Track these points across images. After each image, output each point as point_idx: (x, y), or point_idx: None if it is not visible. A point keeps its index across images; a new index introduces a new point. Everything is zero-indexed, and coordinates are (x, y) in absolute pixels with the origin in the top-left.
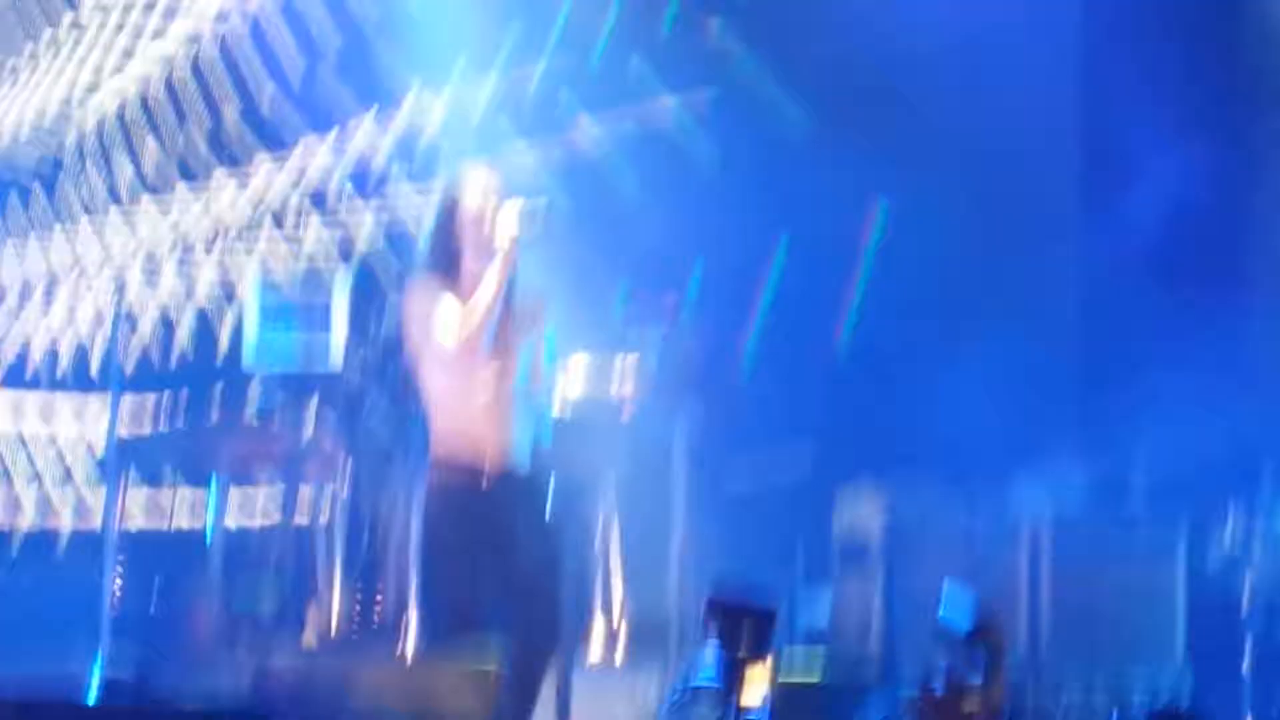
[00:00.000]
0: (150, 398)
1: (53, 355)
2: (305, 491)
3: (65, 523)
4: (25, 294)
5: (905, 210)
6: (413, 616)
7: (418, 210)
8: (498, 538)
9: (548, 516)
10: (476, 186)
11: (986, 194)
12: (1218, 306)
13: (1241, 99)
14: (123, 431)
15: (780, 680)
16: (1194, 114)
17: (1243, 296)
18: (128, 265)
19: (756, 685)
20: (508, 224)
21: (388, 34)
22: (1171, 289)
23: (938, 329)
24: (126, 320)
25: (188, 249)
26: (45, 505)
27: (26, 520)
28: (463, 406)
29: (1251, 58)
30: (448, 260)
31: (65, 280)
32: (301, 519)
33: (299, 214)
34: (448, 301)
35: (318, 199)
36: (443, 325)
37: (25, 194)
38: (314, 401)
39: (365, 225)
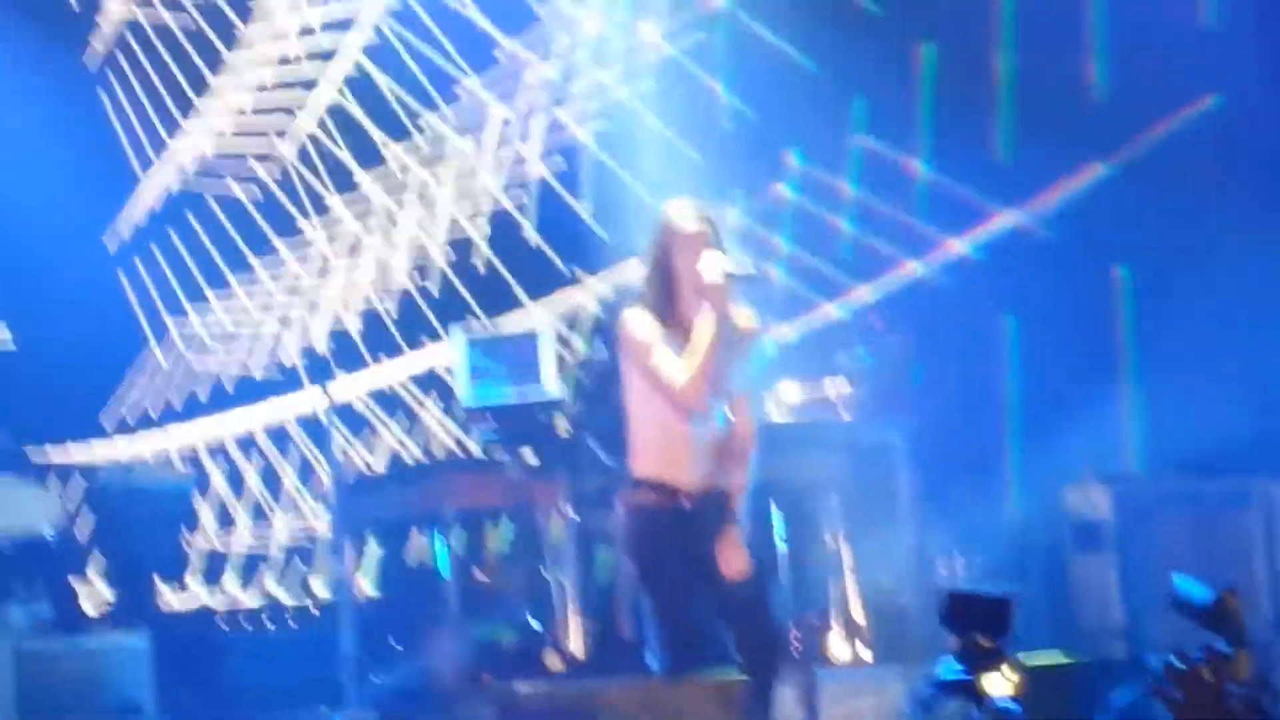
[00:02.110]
0: (374, 437)
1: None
2: (534, 519)
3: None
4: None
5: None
6: (649, 634)
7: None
8: (707, 554)
9: (751, 530)
10: (689, 220)
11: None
12: None
13: None
14: (350, 471)
15: (1028, 664)
16: None
17: None
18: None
19: (1003, 673)
20: (719, 267)
21: None
22: None
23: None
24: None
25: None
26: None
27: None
28: (670, 434)
29: None
30: (663, 292)
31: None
32: (531, 546)
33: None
34: (664, 339)
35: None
36: (662, 366)
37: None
38: (534, 431)
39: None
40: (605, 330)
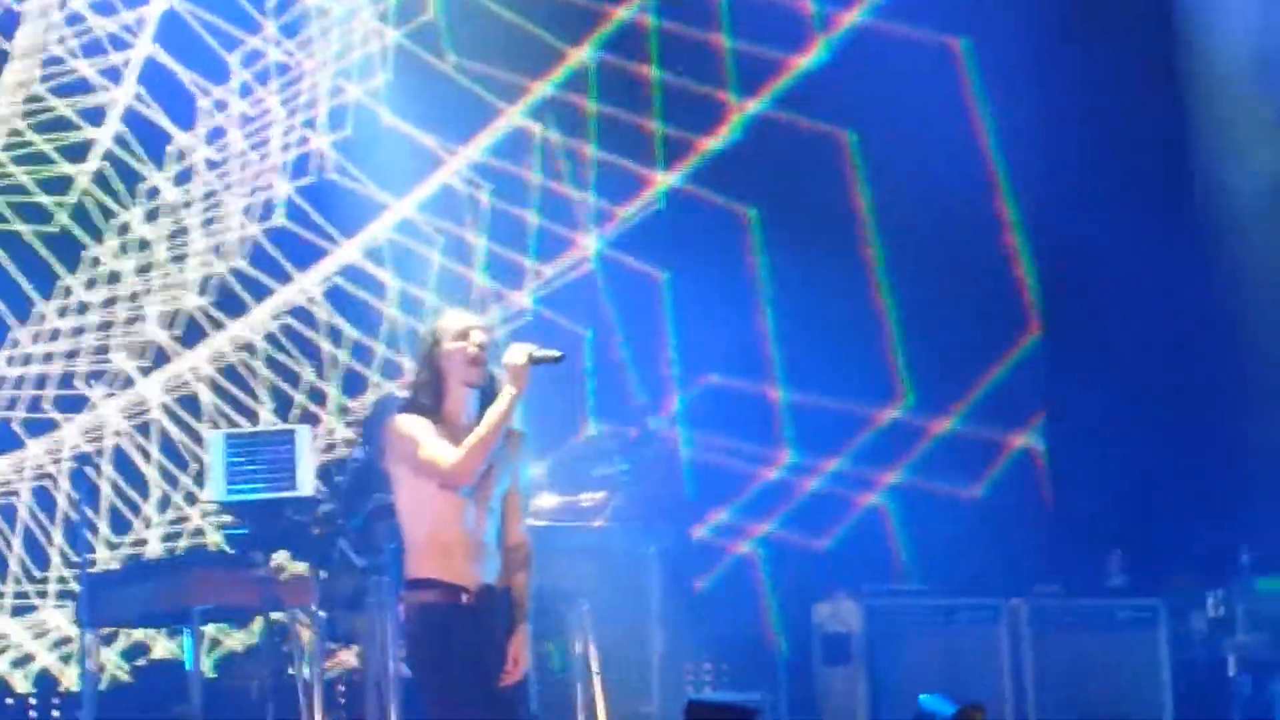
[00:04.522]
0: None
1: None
2: (282, 617)
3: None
4: None
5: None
6: None
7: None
8: (488, 652)
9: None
10: (457, 319)
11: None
12: None
13: None
14: (96, 567)
15: None
16: None
17: None
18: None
19: None
20: (523, 351)
21: None
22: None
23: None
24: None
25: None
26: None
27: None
28: (445, 530)
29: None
30: (432, 390)
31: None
32: (280, 643)
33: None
34: (435, 433)
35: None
36: (431, 450)
37: None
38: (285, 529)
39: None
40: (367, 430)
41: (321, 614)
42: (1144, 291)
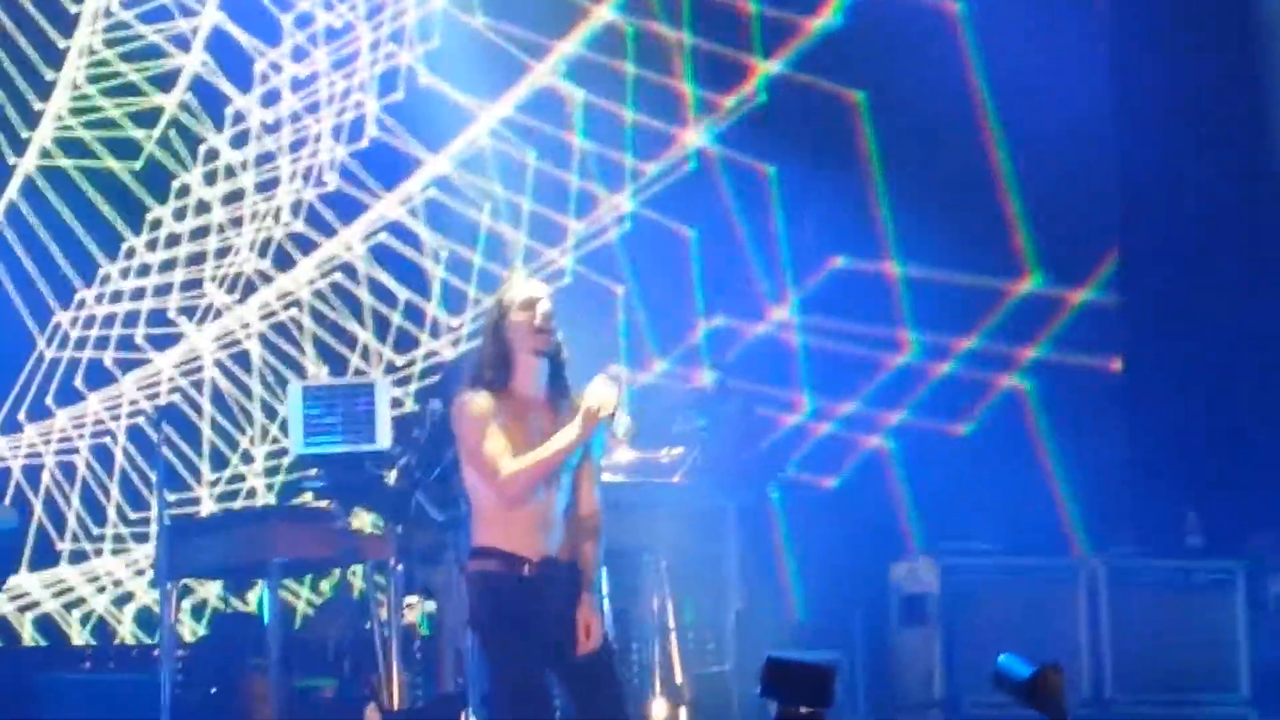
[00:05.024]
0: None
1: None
2: (360, 569)
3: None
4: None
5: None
6: (472, 690)
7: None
8: (553, 623)
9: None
10: (523, 288)
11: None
12: None
13: None
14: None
15: None
16: None
17: None
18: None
19: None
20: (610, 402)
21: None
22: None
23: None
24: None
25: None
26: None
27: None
28: (509, 510)
29: None
30: (497, 362)
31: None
32: (358, 597)
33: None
34: (498, 414)
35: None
36: (490, 452)
37: None
38: (363, 482)
39: None
40: (443, 388)
41: (399, 567)
42: (1223, 244)
